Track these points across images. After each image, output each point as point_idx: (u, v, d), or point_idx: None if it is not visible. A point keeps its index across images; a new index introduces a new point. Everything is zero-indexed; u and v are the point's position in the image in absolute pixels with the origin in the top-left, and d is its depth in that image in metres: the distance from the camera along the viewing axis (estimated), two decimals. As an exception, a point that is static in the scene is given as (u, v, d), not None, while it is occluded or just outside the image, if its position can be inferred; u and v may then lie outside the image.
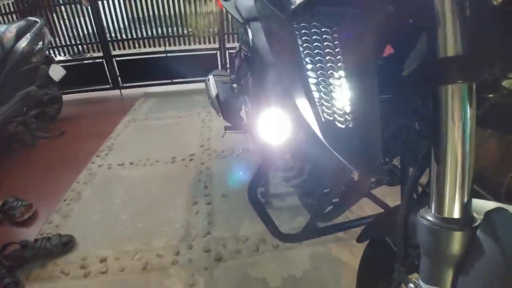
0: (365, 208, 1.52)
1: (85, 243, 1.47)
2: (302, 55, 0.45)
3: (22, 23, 2.45)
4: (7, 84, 2.25)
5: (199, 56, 3.39)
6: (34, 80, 2.52)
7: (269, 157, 0.97)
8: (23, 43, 2.35)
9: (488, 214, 0.39)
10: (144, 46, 3.49)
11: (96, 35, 3.28)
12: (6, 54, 2.25)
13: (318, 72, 0.45)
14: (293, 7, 0.44)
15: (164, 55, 3.37)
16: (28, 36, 2.40)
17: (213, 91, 1.57)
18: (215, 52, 3.38)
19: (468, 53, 0.37)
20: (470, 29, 0.37)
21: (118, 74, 3.42)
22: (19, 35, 2.36)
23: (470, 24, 0.37)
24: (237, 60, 1.68)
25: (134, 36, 3.43)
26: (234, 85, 1.60)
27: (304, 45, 0.45)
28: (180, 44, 3.40)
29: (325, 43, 0.42)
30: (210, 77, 1.68)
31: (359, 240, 0.79)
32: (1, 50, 2.22)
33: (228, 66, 3.35)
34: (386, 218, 0.74)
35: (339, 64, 0.42)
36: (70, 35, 3.35)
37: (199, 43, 3.41)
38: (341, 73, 0.43)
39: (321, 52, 0.43)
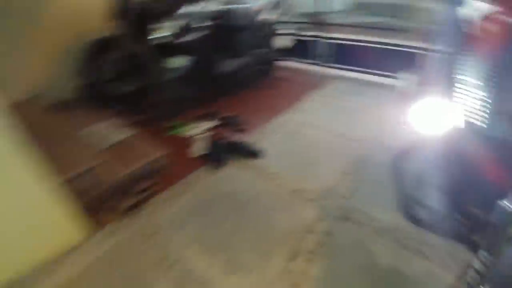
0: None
1: (266, 159, 2.20)
2: (462, 76, 0.69)
3: (265, 0, 3.33)
4: (247, 44, 3.27)
5: (399, 52, 3.29)
6: (263, 44, 3.46)
7: (422, 143, 1.07)
8: (263, 16, 3.27)
9: None
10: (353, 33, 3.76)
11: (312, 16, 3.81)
12: (251, 22, 3.23)
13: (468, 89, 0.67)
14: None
15: (368, 44, 3.52)
16: (267, 11, 3.29)
17: (400, 88, 1.75)
18: (415, 50, 3.22)
19: None
20: None
21: (323, 53, 3.96)
22: (261, 10, 3.28)
23: None
24: (429, 63, 1.73)
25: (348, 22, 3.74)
26: (420, 85, 1.69)
27: (467, 69, 0.68)
28: (385, 37, 3.40)
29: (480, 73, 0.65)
30: (401, 75, 1.84)
31: None
32: (249, 19, 3.19)
33: (421, 66, 3.13)
34: None
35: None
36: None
37: (404, 39, 3.29)
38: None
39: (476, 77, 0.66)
